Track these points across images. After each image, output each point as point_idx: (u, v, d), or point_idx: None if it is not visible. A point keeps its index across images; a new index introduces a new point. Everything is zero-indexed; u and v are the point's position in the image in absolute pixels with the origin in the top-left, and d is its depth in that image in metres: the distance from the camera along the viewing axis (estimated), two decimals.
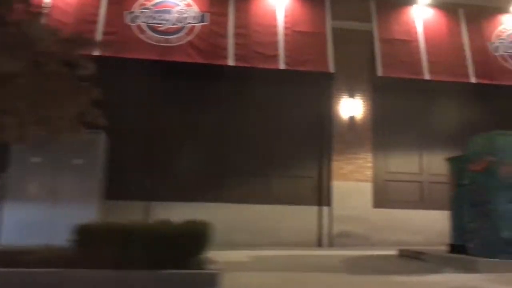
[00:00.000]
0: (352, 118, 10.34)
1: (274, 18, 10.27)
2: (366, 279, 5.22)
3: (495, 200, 5.90)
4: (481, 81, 10.50)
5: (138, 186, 9.29)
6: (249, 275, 5.19)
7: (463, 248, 6.51)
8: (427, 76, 10.36)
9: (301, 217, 9.82)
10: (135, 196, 9.25)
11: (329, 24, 10.42)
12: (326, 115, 10.34)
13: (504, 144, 6.01)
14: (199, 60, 9.68)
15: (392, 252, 7.87)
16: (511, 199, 5.78)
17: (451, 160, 7.18)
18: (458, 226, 6.80)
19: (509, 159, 5.96)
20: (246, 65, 9.77)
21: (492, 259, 5.77)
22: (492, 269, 5.57)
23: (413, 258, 7.16)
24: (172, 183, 9.49)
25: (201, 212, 9.34)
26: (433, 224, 9.65)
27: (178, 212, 9.28)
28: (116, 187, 9.07)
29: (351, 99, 10.39)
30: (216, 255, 7.18)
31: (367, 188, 10.17)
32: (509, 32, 11.09)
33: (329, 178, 10.10)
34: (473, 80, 10.49)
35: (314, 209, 9.95)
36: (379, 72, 10.18)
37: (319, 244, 9.82)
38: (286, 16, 10.31)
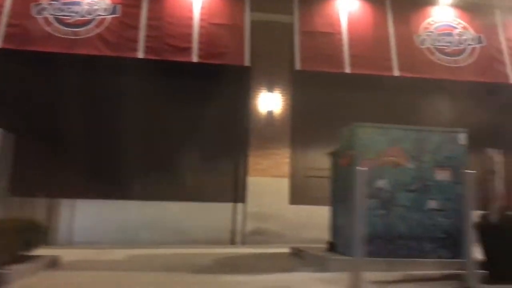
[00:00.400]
0: (270, 113, 10.10)
1: (190, 10, 9.99)
2: (183, 278, 4.96)
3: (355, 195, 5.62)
4: (404, 74, 10.23)
5: (42, 183, 9.06)
6: (77, 274, 4.96)
7: (336, 246, 6.27)
8: (348, 70, 10.09)
9: (214, 214, 9.57)
10: (39, 193, 9.02)
11: (248, 16, 10.15)
12: (244, 110, 10.09)
13: (364, 137, 5.76)
14: (107, 52, 9.42)
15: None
16: (369, 194, 5.50)
17: (328, 154, 6.93)
18: (333, 223, 6.56)
19: (370, 152, 5.70)
20: (156, 57, 9.51)
21: (346, 257, 5.52)
22: (344, 267, 5.32)
23: (297, 256, 6.93)
24: (77, 180, 9.24)
25: (107, 210, 9.27)
26: None
27: (82, 210, 9.18)
28: (20, 184, 8.81)
29: (270, 93, 10.14)
30: (91, 254, 7.06)
31: (284, 184, 9.93)
32: (437, 25, 10.81)
33: (245, 174, 9.85)
34: (396, 73, 10.22)
35: (228, 206, 9.70)
36: (297, 65, 9.92)
37: (233, 242, 9.58)
38: (202, 8, 10.03)
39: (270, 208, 9.68)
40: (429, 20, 10.83)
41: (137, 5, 9.80)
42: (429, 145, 5.83)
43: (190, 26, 9.87)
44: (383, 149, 5.73)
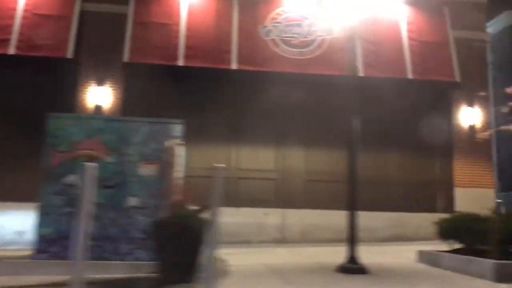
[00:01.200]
0: (99, 108, 9.60)
1: (14, 0, 9.54)
2: None
3: (42, 192, 5.15)
4: (243, 67, 9.74)
5: None
6: None
7: None
8: (181, 62, 9.62)
9: (24, 215, 9.04)
10: None
11: (78, 6, 9.71)
12: (70, 105, 9.57)
13: (57, 128, 5.27)
14: None
15: None
16: (57, 191, 5.03)
17: None
18: None
19: (63, 145, 5.21)
20: None
21: (34, 260, 5.04)
22: (30, 271, 4.86)
23: None
24: None
25: None
26: None
27: None
28: None
29: (100, 87, 9.65)
30: None
31: None
32: (286, 15, 10.30)
33: None
34: (234, 66, 9.73)
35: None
36: (126, 57, 9.47)
37: None
38: None
39: None
40: (278, 10, 10.34)
41: None
42: (135, 137, 5.33)
43: (12, 17, 9.43)
44: (79, 141, 5.24)
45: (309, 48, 10.12)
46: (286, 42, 10.10)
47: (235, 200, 9.65)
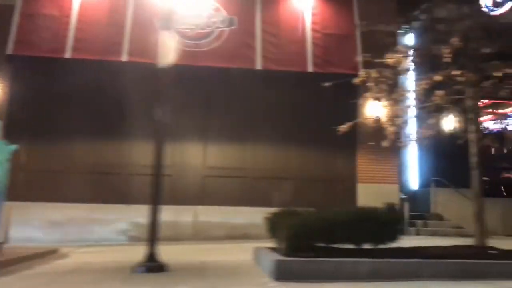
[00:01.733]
0: None
1: None
2: None
3: None
4: (133, 59, 9.46)
5: None
6: None
7: None
8: (68, 55, 9.35)
9: None
10: None
11: None
12: None
13: None
14: None
15: None
16: None
17: None
18: None
19: None
20: None
21: None
22: None
23: None
24: None
25: None
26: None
27: None
28: None
29: None
30: None
31: None
32: (186, 6, 9.97)
33: None
34: (124, 58, 9.50)
35: None
36: (10, 49, 9.19)
37: None
38: None
39: None
40: (176, 1, 10.00)
41: None
42: None
43: None
44: None
45: (206, 40, 9.83)
46: (182, 34, 9.77)
47: (126, 197, 9.39)
